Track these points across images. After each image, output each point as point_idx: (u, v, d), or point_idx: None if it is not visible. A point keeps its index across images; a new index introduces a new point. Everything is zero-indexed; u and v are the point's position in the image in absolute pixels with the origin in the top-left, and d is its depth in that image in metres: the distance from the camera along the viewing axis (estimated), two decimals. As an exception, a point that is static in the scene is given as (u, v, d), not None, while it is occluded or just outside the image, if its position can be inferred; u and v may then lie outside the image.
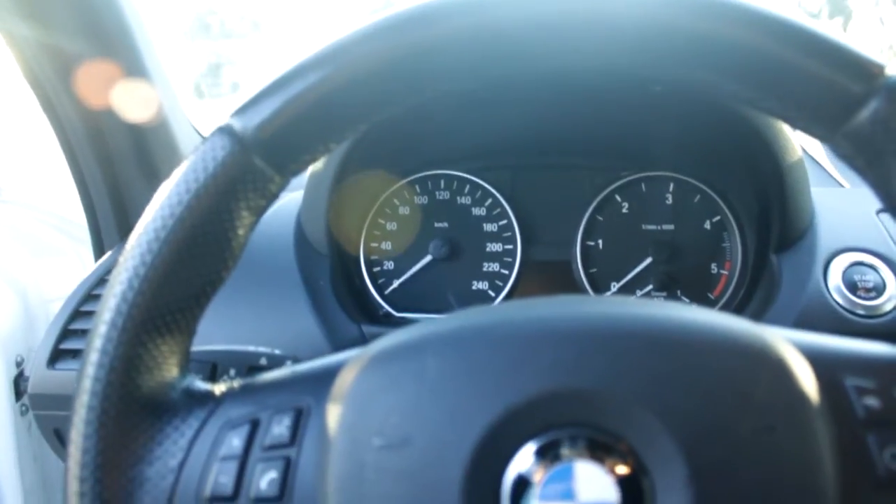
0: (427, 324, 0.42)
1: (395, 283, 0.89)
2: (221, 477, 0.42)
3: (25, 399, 1.29)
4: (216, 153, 0.41)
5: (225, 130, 0.42)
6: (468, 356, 0.39)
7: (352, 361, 0.43)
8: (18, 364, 1.29)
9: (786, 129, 0.78)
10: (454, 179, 0.90)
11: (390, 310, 0.88)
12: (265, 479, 0.41)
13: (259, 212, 0.44)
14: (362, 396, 0.39)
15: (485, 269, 0.89)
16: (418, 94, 0.43)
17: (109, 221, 1.10)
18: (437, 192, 0.90)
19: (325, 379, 0.43)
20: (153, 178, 1.04)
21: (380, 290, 0.89)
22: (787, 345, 0.40)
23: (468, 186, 0.90)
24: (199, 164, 0.41)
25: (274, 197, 0.44)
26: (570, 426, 0.37)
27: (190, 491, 0.42)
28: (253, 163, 0.42)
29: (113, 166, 1.04)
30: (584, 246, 0.89)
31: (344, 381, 0.41)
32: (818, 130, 0.41)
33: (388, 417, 0.38)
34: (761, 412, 0.37)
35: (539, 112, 0.87)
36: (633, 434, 0.37)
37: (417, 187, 0.90)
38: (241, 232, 0.43)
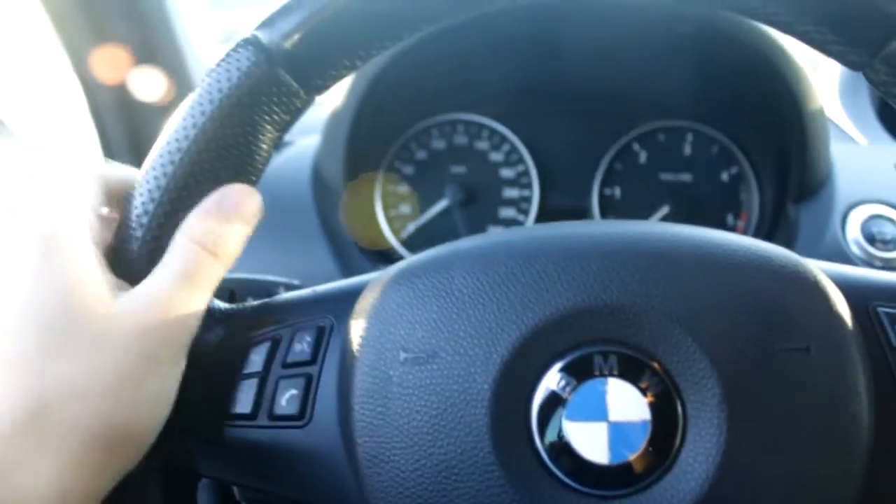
0: (454, 242, 0.42)
1: (411, 227, 0.89)
2: (241, 394, 0.42)
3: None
4: (241, 64, 0.40)
5: (250, 41, 0.40)
6: (497, 270, 0.38)
7: (376, 280, 0.42)
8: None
9: (809, 74, 0.77)
10: (472, 124, 0.90)
11: (406, 254, 0.88)
12: (285, 397, 0.41)
13: (283, 128, 0.43)
14: (388, 311, 0.39)
15: (501, 215, 0.89)
16: (452, 13, 0.42)
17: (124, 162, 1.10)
18: (454, 137, 0.90)
19: (347, 298, 0.43)
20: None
21: (395, 233, 0.89)
22: (820, 271, 0.40)
23: (486, 132, 0.90)
24: (223, 74, 0.40)
25: (298, 113, 0.43)
26: (601, 343, 0.37)
27: (214, 408, 0.42)
28: (278, 75, 0.41)
29: (131, 107, 1.03)
30: (601, 194, 0.88)
31: (368, 298, 0.41)
32: (854, 57, 0.40)
33: (414, 331, 0.38)
34: (795, 333, 0.37)
35: (559, 57, 0.87)
36: (665, 352, 0.36)
37: (435, 131, 0.90)
38: (264, 147, 0.42)
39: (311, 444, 0.40)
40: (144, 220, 0.41)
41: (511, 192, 0.89)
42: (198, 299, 0.40)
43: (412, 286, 0.40)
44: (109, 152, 1.10)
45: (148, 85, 1.01)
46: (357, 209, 0.85)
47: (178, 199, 0.41)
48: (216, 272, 0.41)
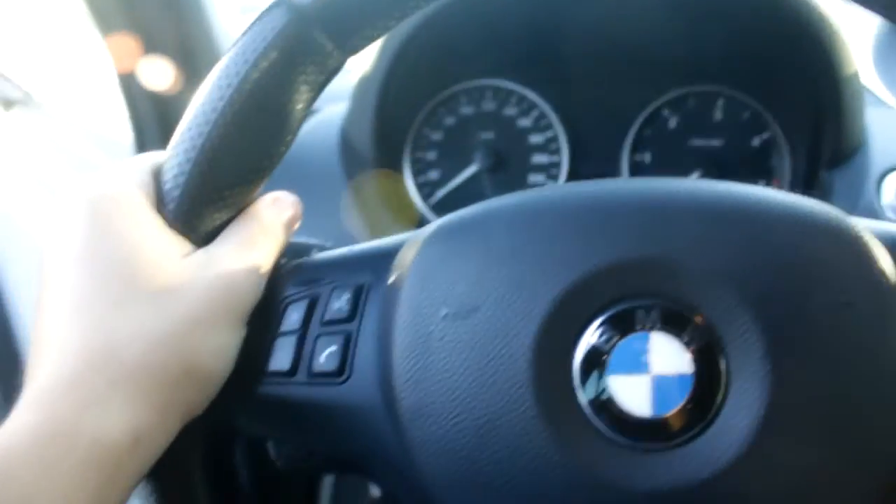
0: (493, 199, 0.42)
1: (440, 194, 0.88)
2: (279, 352, 0.43)
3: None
4: (275, 24, 0.40)
5: (283, 2, 0.40)
6: (538, 225, 0.38)
7: (414, 238, 0.42)
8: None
9: (844, 37, 0.76)
10: (501, 90, 0.89)
11: (435, 220, 0.88)
12: (324, 354, 0.42)
13: (317, 88, 0.43)
14: (427, 267, 0.39)
15: (530, 180, 0.88)
16: None
17: (153, 136, 1.10)
18: (483, 103, 0.89)
19: (385, 256, 0.43)
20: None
21: (424, 199, 0.89)
22: (863, 227, 0.39)
23: (514, 97, 0.89)
24: (257, 34, 0.40)
25: (333, 74, 0.43)
26: (643, 297, 0.36)
27: (251, 366, 0.42)
28: (312, 35, 0.41)
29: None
30: (631, 160, 0.87)
31: (407, 255, 0.41)
32: None
33: (454, 286, 0.38)
34: (840, 288, 0.36)
35: (589, 21, 0.86)
36: (708, 306, 0.36)
37: (463, 97, 0.89)
38: (299, 107, 0.43)
39: (350, 401, 0.41)
40: (181, 179, 0.41)
41: (540, 158, 0.89)
42: (257, 267, 0.43)
43: (451, 242, 0.40)
44: (139, 124, 1.10)
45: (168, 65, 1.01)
46: (385, 178, 0.85)
47: (214, 158, 0.41)
48: (272, 246, 0.44)
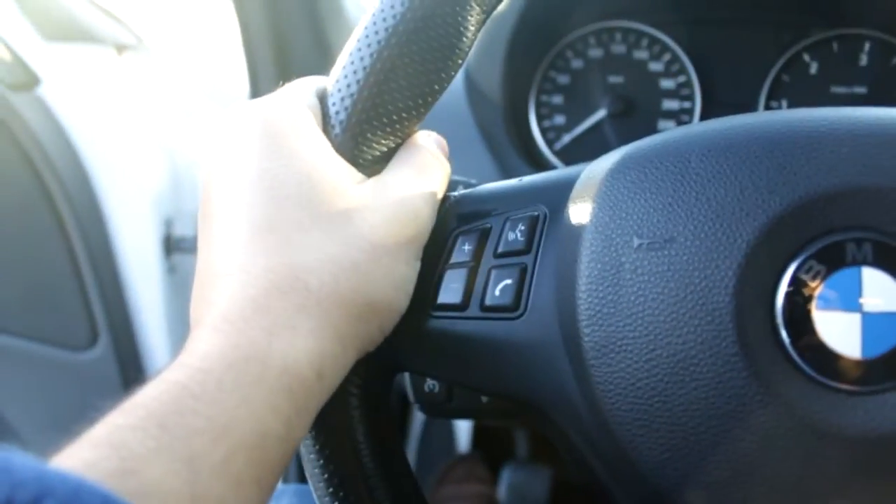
0: (684, 127, 0.40)
1: (566, 139, 0.86)
2: (449, 285, 0.41)
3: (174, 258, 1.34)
4: None
5: None
6: (738, 153, 0.36)
7: (595, 168, 0.41)
8: (167, 224, 1.34)
9: None
10: (631, 32, 0.86)
11: (560, 165, 0.86)
12: (499, 287, 0.40)
13: (488, 9, 0.42)
14: (616, 196, 0.37)
15: (660, 127, 0.85)
16: None
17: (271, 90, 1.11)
18: (612, 46, 0.86)
19: (560, 188, 0.41)
20: (323, 48, 1.03)
21: (548, 144, 0.86)
22: None
23: (645, 40, 0.86)
24: None
25: None
26: (855, 229, 0.34)
27: (418, 299, 0.41)
28: None
29: (282, 35, 1.03)
30: (767, 107, 0.83)
31: (589, 185, 0.39)
32: None
33: (648, 216, 0.36)
34: None
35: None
36: None
37: (592, 39, 0.86)
38: (471, 28, 0.41)
39: (525, 336, 0.39)
40: (349, 102, 0.40)
41: (671, 104, 0.85)
42: (433, 194, 0.42)
43: (642, 171, 0.38)
44: (256, 76, 1.11)
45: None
46: (513, 118, 0.83)
47: (383, 81, 0.40)
48: (443, 174, 0.43)
